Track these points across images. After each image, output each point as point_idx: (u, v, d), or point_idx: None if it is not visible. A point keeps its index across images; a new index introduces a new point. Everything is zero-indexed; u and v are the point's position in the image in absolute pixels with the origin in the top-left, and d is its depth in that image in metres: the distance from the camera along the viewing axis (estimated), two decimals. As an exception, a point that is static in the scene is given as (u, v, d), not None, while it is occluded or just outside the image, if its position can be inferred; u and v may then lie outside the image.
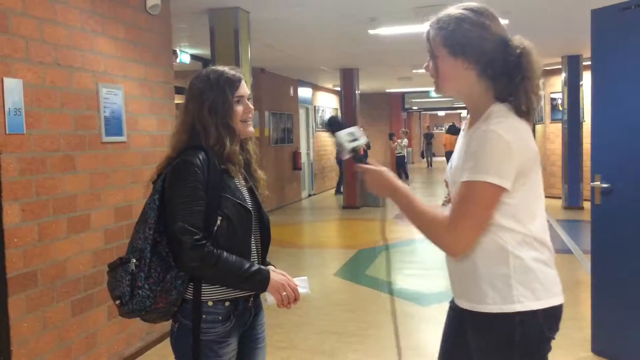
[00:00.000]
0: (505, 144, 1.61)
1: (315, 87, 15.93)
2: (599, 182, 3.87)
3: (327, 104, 17.25)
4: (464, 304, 1.76)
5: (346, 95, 12.48)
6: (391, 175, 1.77)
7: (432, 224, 1.68)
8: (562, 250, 7.61)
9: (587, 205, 4.33)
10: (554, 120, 12.79)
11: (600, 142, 3.95)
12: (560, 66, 11.61)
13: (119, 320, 4.00)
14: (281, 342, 4.38)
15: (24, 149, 3.20)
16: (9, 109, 3.09)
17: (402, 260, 7.11)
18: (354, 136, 1.86)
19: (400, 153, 16.92)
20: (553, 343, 1.58)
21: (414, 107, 20.97)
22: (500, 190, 1.62)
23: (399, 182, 1.76)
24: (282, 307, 1.99)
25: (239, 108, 2.01)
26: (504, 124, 1.64)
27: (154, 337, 4.39)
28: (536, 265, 1.68)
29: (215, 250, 1.87)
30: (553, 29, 8.19)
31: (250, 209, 2.00)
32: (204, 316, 1.90)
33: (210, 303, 1.91)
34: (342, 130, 1.86)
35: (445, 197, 1.91)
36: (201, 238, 1.85)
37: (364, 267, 6.86)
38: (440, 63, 1.74)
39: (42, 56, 3.34)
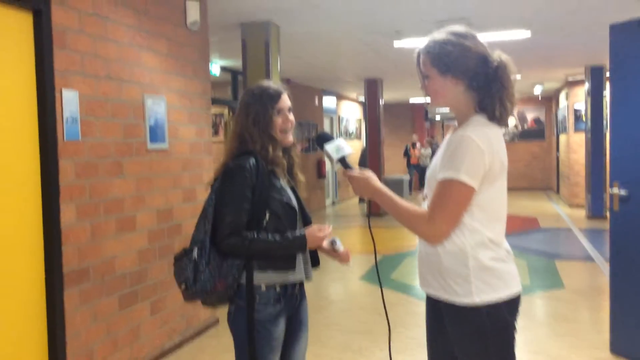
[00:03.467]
0: (477, 149, 1.86)
1: (340, 97, 16.19)
2: (617, 189, 4.03)
3: (351, 113, 17.50)
4: (430, 292, 2.04)
5: (370, 106, 12.70)
6: (374, 180, 2.05)
7: (413, 218, 1.96)
8: (584, 258, 7.73)
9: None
10: (577, 130, 12.86)
11: (618, 150, 4.12)
12: (583, 77, 11.71)
13: (161, 316, 4.26)
14: (311, 339, 4.58)
15: (79, 155, 3.49)
16: (67, 118, 3.38)
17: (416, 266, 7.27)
18: (339, 148, 2.17)
19: (423, 163, 16.97)
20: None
21: (437, 117, 21.09)
22: (471, 189, 1.87)
23: (381, 185, 2.04)
24: (343, 260, 2.31)
25: (279, 120, 2.28)
26: (479, 132, 1.89)
27: (191, 332, 4.65)
28: (493, 264, 1.92)
29: (249, 234, 2.14)
30: (575, 41, 8.34)
31: (295, 207, 2.26)
32: (257, 298, 2.16)
33: (263, 287, 2.17)
34: (329, 143, 2.17)
35: (424, 195, 2.18)
36: (241, 230, 2.14)
37: (390, 272, 7.06)
38: (431, 82, 2.02)
39: (95, 70, 3.63)
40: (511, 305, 1.96)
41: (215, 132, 11.01)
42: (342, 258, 2.33)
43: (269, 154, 2.24)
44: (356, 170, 2.10)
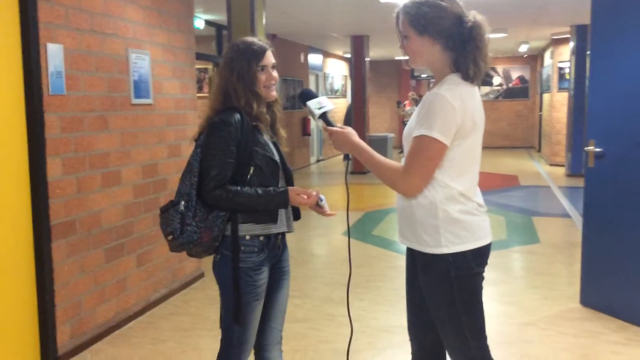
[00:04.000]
0: (450, 107, 1.95)
1: (326, 54, 16.09)
2: (592, 147, 4.15)
3: (337, 71, 17.42)
4: (406, 243, 2.15)
5: (356, 63, 12.67)
6: (353, 135, 2.14)
7: (389, 172, 2.06)
8: (561, 214, 7.93)
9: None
10: (561, 89, 12.96)
11: (595, 108, 4.22)
12: (569, 35, 11.74)
13: (147, 268, 4.36)
14: (294, 292, 4.68)
15: (65, 109, 3.51)
16: (52, 71, 3.39)
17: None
18: (321, 104, 2.24)
19: (407, 121, 17.00)
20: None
21: (423, 75, 21.06)
22: (443, 145, 1.96)
23: (360, 141, 2.13)
24: (328, 215, 2.35)
25: (262, 76, 2.33)
26: (452, 91, 1.97)
27: (177, 284, 4.76)
28: (461, 216, 2.03)
29: (232, 187, 2.22)
30: (561, -1, 8.35)
31: (277, 160, 2.35)
32: (242, 247, 2.25)
33: (247, 237, 2.26)
34: (311, 100, 2.24)
35: (400, 152, 2.27)
36: (225, 183, 2.22)
37: (371, 228, 7.21)
38: (410, 42, 2.09)
39: (79, 23, 3.62)
40: (478, 256, 2.07)
41: (200, 88, 10.94)
42: (326, 214, 2.39)
43: (253, 110, 2.29)
44: (337, 126, 2.17)
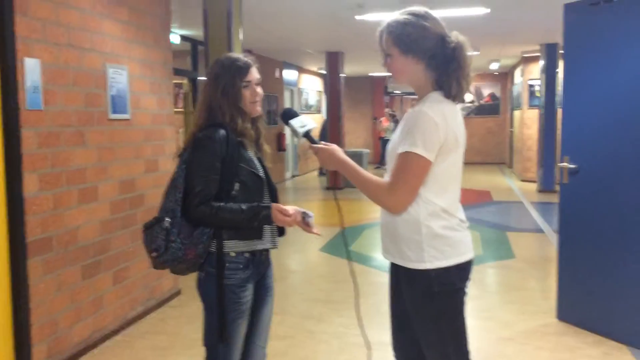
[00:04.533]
0: (433, 124, 1.97)
1: (301, 70, 16.16)
2: (567, 163, 4.23)
3: (312, 86, 17.49)
4: (389, 258, 2.17)
5: (331, 79, 12.75)
6: (339, 152, 2.16)
7: (375, 189, 2.08)
8: (534, 229, 8.05)
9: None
10: (531, 106, 13.21)
11: (569, 125, 4.31)
12: (539, 54, 12.00)
13: (123, 286, 4.29)
14: (275, 309, 4.71)
15: (41, 124, 3.45)
16: (29, 86, 3.34)
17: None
18: (303, 123, 2.28)
19: (386, 137, 16.87)
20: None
21: (397, 91, 21.27)
22: (427, 161, 1.99)
23: (346, 157, 2.15)
24: (314, 233, 2.31)
25: (247, 92, 2.33)
26: (435, 108, 2.01)
27: (153, 302, 4.69)
28: (444, 232, 2.05)
29: (216, 203, 2.20)
30: (532, 18, 8.54)
31: (262, 176, 2.34)
32: (227, 264, 2.23)
33: (232, 254, 2.25)
34: (294, 119, 2.28)
35: (377, 167, 2.30)
36: (210, 199, 2.19)
37: (349, 243, 7.21)
38: (393, 60, 2.12)
39: (56, 37, 3.58)
40: (461, 271, 2.09)
41: (174, 103, 10.86)
42: (312, 232, 2.36)
43: (238, 126, 2.29)
44: (321, 144, 2.19)
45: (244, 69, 2.32)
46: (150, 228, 2.23)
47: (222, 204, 2.20)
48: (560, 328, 4.25)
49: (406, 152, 1.98)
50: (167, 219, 2.20)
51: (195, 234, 2.21)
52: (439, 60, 2.05)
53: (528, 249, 6.85)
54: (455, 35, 2.07)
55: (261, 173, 2.35)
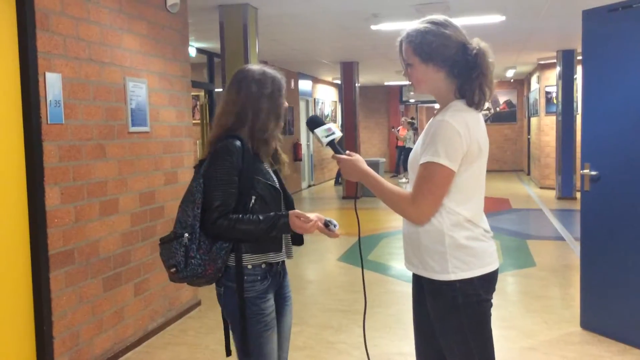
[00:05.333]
0: (456, 133, 1.95)
1: (315, 80, 16.20)
2: (588, 170, 4.19)
3: (327, 96, 17.53)
4: (412, 269, 2.14)
5: (346, 89, 12.76)
6: (362, 163, 2.14)
7: (398, 200, 2.05)
8: (554, 237, 7.96)
9: (580, 195, 4.68)
10: (548, 113, 13.12)
11: (589, 132, 4.27)
12: (555, 60, 11.92)
13: (144, 297, 4.31)
14: (293, 319, 4.70)
15: (63, 138, 3.50)
16: (50, 100, 3.38)
17: (399, 247, 7.43)
18: (330, 132, 2.24)
19: (408, 146, 16.47)
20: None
21: (411, 100, 21.24)
22: (451, 172, 1.96)
23: (369, 168, 2.13)
24: (334, 236, 2.32)
25: (285, 102, 2.41)
26: (457, 117, 1.98)
27: (174, 314, 4.71)
28: (468, 242, 2.02)
29: (233, 216, 2.19)
30: (548, 25, 8.49)
31: (279, 188, 2.35)
32: (245, 277, 2.23)
33: (249, 266, 2.25)
34: (319, 127, 2.24)
35: (406, 179, 2.27)
36: (228, 213, 2.20)
37: (366, 253, 7.18)
38: (414, 70, 2.10)
39: (77, 52, 3.63)
40: (486, 282, 2.06)
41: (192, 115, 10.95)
42: (333, 236, 2.35)
43: (267, 132, 2.30)
44: (345, 153, 2.18)
45: (282, 80, 2.39)
46: (167, 242, 2.23)
47: (240, 215, 2.20)
48: (584, 337, 4.19)
49: (429, 162, 1.97)
50: (186, 234, 2.19)
51: (214, 248, 2.20)
52: (460, 68, 2.03)
53: (549, 257, 6.77)
54: (476, 42, 2.05)
55: (277, 185, 2.36)
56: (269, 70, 2.38)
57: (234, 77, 2.37)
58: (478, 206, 2.09)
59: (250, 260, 2.25)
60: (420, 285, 2.16)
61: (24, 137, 3.26)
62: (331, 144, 2.24)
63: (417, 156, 2.06)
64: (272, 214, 2.24)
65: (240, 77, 2.35)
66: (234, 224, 2.18)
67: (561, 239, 7.80)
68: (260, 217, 2.21)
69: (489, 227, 2.14)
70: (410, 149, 16.59)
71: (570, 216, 9.47)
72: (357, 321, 4.66)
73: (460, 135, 1.95)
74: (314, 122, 2.27)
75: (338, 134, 2.25)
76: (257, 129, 2.29)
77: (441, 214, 2.01)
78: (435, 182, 1.97)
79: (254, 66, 2.38)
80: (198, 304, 5.12)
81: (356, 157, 2.16)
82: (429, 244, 2.03)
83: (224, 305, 2.31)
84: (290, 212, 2.26)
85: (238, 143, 2.24)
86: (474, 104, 2.04)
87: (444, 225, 2.01)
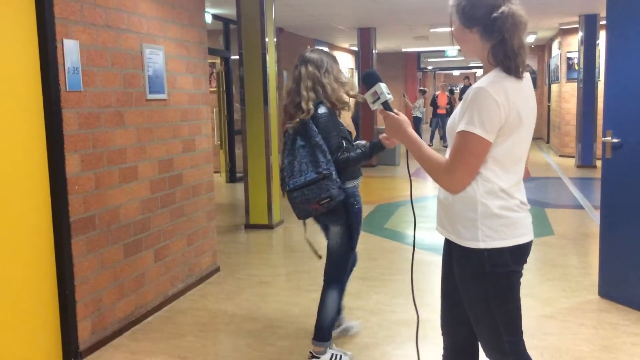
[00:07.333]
0: (493, 103, 1.90)
1: (332, 47, 16.04)
2: (609, 137, 4.12)
3: (344, 63, 17.36)
4: (444, 233, 2.14)
5: (363, 55, 12.61)
6: (408, 125, 2.13)
7: (435, 167, 2.03)
8: (573, 206, 7.90)
9: (599, 164, 4.60)
10: (569, 79, 12.89)
11: (612, 99, 4.19)
12: (577, 25, 11.66)
13: (164, 263, 4.37)
14: (310, 286, 4.75)
15: (82, 105, 3.51)
16: (69, 67, 3.38)
17: (420, 215, 7.42)
18: (387, 90, 2.22)
19: (415, 115, 16.69)
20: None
21: (429, 67, 21.00)
22: (487, 142, 1.92)
23: (412, 131, 2.11)
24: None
25: (341, 74, 3.33)
26: (496, 85, 1.92)
27: (193, 279, 4.77)
28: (501, 212, 1.98)
29: (346, 152, 3.17)
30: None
31: (349, 132, 3.34)
32: (352, 192, 3.26)
33: (349, 186, 3.24)
34: (380, 84, 2.21)
35: (445, 145, 2.24)
36: (344, 151, 3.15)
37: (383, 221, 7.20)
38: (455, 32, 2.09)
39: (94, 18, 3.61)
40: (517, 253, 2.02)
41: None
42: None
43: (343, 97, 3.27)
44: (394, 111, 2.17)
45: (335, 57, 3.35)
46: (317, 182, 3.02)
47: (349, 152, 3.16)
48: (602, 305, 4.19)
49: (464, 131, 1.93)
50: (333, 172, 3.03)
51: (340, 178, 3.11)
52: (493, 32, 1.97)
53: (567, 225, 6.73)
54: (508, 5, 1.97)
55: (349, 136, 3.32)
56: (325, 51, 3.33)
57: (304, 61, 3.29)
58: (516, 177, 2.05)
59: (348, 184, 3.21)
60: (450, 250, 2.15)
61: (43, 104, 3.27)
62: (386, 103, 2.20)
63: (455, 123, 2.02)
64: (368, 143, 3.19)
65: (307, 61, 3.25)
66: (349, 156, 3.12)
67: (580, 207, 7.73)
68: (362, 148, 3.16)
69: (526, 199, 2.09)
70: (418, 118, 16.59)
71: (589, 184, 9.37)
72: (374, 287, 4.70)
73: (498, 104, 1.90)
74: (374, 77, 2.22)
75: (390, 95, 2.22)
76: (331, 97, 3.21)
77: (476, 182, 1.98)
78: (470, 152, 1.94)
79: (313, 50, 3.31)
80: (217, 270, 5.18)
81: (403, 117, 2.15)
82: (461, 211, 2.01)
83: (335, 215, 3.20)
84: (380, 136, 3.08)
85: (325, 106, 3.19)
86: (510, 70, 1.96)
87: (478, 193, 1.98)
